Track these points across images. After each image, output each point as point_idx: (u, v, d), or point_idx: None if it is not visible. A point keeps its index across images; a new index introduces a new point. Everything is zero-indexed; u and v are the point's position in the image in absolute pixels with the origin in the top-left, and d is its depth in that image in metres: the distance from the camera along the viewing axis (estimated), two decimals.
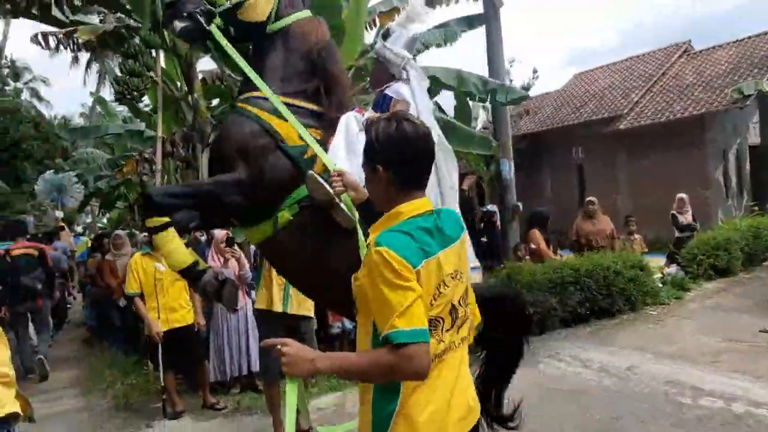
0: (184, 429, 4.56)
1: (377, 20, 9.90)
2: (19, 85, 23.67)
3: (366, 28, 9.96)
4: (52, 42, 7.70)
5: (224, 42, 2.57)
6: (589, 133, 15.97)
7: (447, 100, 15.97)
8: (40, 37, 7.65)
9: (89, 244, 10.99)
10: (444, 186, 2.60)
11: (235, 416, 4.73)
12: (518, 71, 74.80)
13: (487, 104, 10.62)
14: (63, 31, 7.45)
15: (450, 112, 16.02)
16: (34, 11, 7.32)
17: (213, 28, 2.56)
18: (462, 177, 20.07)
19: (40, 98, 25.66)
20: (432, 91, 10.05)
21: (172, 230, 2.42)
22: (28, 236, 7.91)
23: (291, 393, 1.51)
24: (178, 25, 2.54)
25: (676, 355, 5.16)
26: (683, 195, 8.78)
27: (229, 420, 4.66)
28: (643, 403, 4.14)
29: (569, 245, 8.26)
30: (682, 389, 4.33)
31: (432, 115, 2.69)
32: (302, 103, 2.60)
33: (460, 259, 1.64)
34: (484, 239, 8.78)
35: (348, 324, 5.81)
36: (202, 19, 2.53)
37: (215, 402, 4.95)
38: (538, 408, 3.88)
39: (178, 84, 7.88)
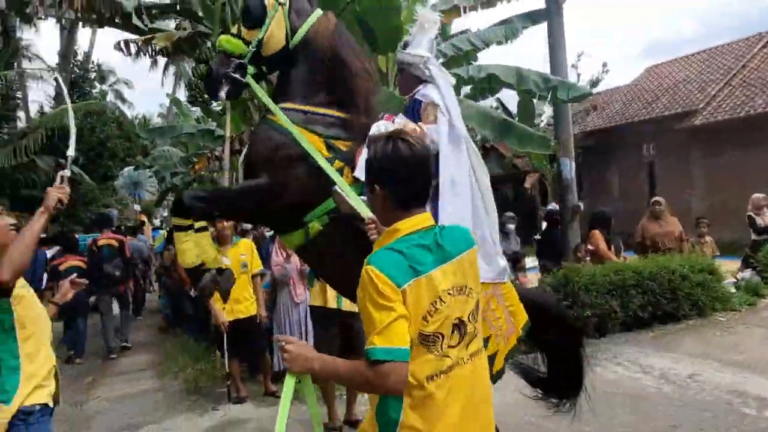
0: (247, 413, 4.85)
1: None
2: (105, 87, 25.53)
3: None
4: (133, 48, 8.32)
5: (260, 91, 2.69)
6: (661, 129, 15.22)
7: (511, 97, 15.71)
8: (122, 44, 8.29)
9: (165, 237, 11.77)
10: (483, 188, 2.66)
11: (293, 404, 4.95)
12: (587, 65, 71.92)
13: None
14: (142, 38, 8.03)
15: (514, 108, 15.80)
16: (117, 20, 7.91)
17: (248, 79, 2.63)
18: (524, 175, 19.66)
19: (123, 100, 27.57)
20: (492, 90, 10.01)
21: (191, 232, 2.60)
22: (113, 228, 8.77)
23: (288, 385, 1.63)
24: (222, 92, 2.63)
25: (743, 364, 4.91)
26: (761, 195, 8.23)
27: (290, 406, 4.91)
28: (704, 412, 4.00)
29: (634, 247, 7.97)
30: (746, 399, 4.14)
31: (459, 114, 2.70)
32: (330, 111, 2.60)
33: (466, 274, 1.65)
34: (544, 239, 8.67)
35: None
36: (237, 76, 2.61)
37: (275, 390, 5.22)
38: (593, 411, 3.84)
39: None
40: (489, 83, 7.74)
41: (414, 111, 2.70)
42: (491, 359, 2.54)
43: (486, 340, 2.50)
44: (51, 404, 2.41)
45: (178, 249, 2.65)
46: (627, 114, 16.80)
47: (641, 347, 5.71)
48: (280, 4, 2.67)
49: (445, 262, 1.60)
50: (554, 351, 2.99)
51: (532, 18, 9.38)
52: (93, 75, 22.54)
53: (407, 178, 1.61)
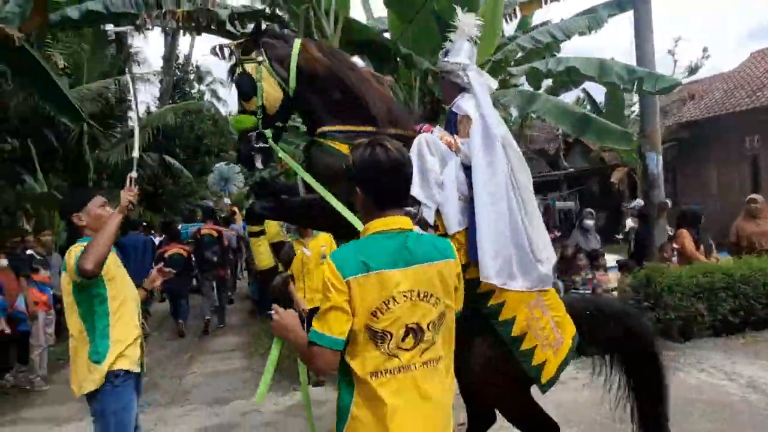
0: (324, 395, 5.17)
1: (517, 11, 9.80)
2: (202, 87, 27.36)
3: (506, 20, 9.91)
4: (227, 52, 8.96)
5: (279, 151, 2.84)
6: (767, 120, 13.94)
7: (600, 87, 15.05)
8: (217, 49, 8.95)
9: None
10: (523, 192, 2.67)
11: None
12: (685, 50, 66.35)
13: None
14: (235, 42, 8.62)
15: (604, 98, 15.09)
16: (213, 27, 8.55)
17: (270, 143, 2.80)
18: (611, 169, 18.73)
19: (218, 98, 29.37)
20: (575, 82, 9.68)
21: (263, 237, 2.89)
22: (214, 220, 9.90)
23: (275, 349, 1.82)
24: (258, 163, 2.84)
25: None
26: None
27: None
28: None
29: (728, 247, 7.47)
30: None
31: (497, 119, 2.72)
32: (362, 128, 2.71)
33: (434, 284, 1.69)
34: (629, 237, 8.35)
35: None
36: (261, 144, 2.79)
37: None
38: (672, 416, 3.74)
39: None
40: (569, 76, 7.53)
41: (452, 123, 2.80)
42: (539, 368, 2.58)
43: (532, 350, 2.56)
44: (134, 370, 2.69)
45: (254, 253, 2.93)
46: (729, 103, 15.51)
47: (729, 354, 5.41)
48: (258, 63, 2.76)
49: (407, 266, 1.66)
50: (627, 362, 2.91)
51: (619, 5, 8.99)
52: (192, 76, 24.28)
53: (382, 182, 1.72)
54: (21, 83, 8.27)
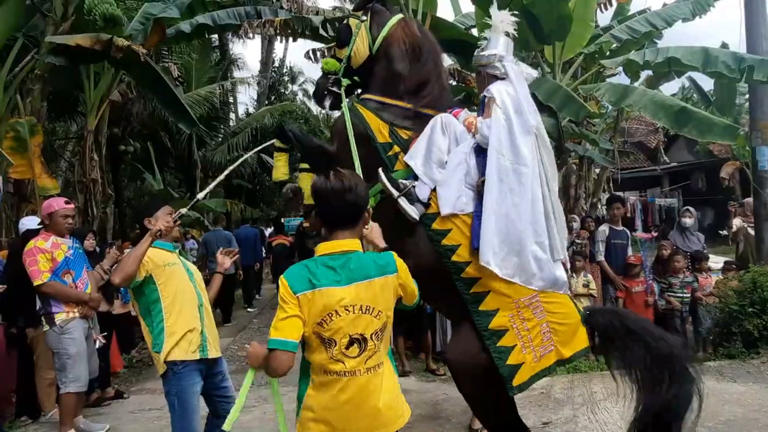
0: (410, 386, 5.37)
1: (612, 0, 9.38)
2: (295, 88, 28.65)
3: (600, 9, 9.52)
4: (320, 55, 9.43)
5: (344, 101, 3.06)
6: None
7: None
8: (311, 53, 9.45)
9: None
10: (551, 190, 2.63)
11: (452, 382, 5.36)
12: None
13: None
14: (327, 46, 9.06)
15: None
16: (307, 33, 9.03)
17: (342, 90, 3.07)
18: (721, 164, 17.34)
19: (309, 97, 30.72)
20: (678, 73, 9.09)
21: (285, 154, 3.23)
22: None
23: (248, 378, 1.94)
24: (326, 103, 3.13)
25: None
26: None
27: (447, 384, 5.31)
28: None
29: None
30: None
31: (532, 108, 2.67)
32: (398, 102, 2.89)
33: (376, 298, 1.89)
34: (737, 238, 7.71)
35: None
36: (336, 89, 3.07)
37: (435, 369, 5.69)
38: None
39: None
40: (669, 67, 7.12)
41: (482, 107, 2.82)
42: (512, 369, 2.44)
43: (510, 349, 2.44)
44: (191, 359, 2.93)
45: (274, 165, 3.28)
46: None
47: None
48: (361, 21, 3.03)
49: (348, 283, 1.87)
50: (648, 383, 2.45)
51: None
52: (286, 78, 25.55)
53: (327, 208, 1.97)
54: (144, 93, 9.29)
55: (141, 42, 6.90)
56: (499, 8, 2.93)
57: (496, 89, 2.69)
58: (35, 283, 3.97)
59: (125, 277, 2.81)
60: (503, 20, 2.86)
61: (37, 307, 4.18)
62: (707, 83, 15.62)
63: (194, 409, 2.93)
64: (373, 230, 2.18)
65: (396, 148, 2.84)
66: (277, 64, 24.32)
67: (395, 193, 2.64)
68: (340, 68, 3.09)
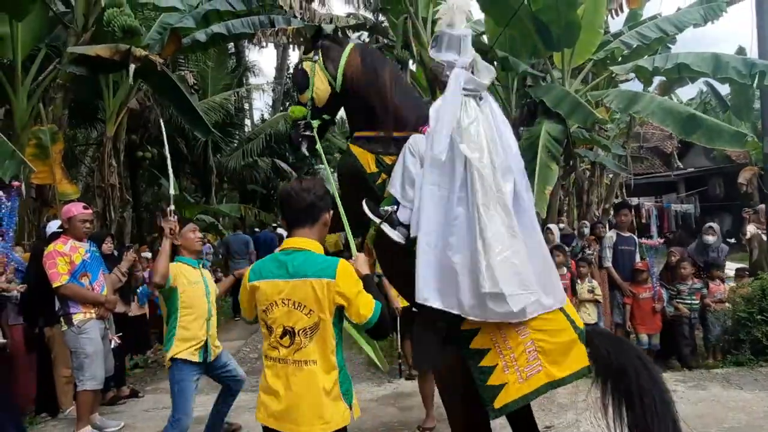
0: (416, 388, 5.43)
1: (624, 5, 9.40)
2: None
3: (611, 15, 9.55)
4: None
5: (318, 144, 3.11)
6: None
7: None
8: None
9: None
10: (485, 211, 2.46)
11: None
12: None
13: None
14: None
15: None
16: None
17: (314, 132, 3.07)
18: (738, 169, 17.11)
19: None
20: (692, 79, 9.04)
21: None
22: None
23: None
24: (303, 149, 3.12)
25: None
26: None
27: None
28: None
29: None
30: None
31: (454, 131, 2.55)
32: (377, 133, 2.91)
33: (308, 297, 2.04)
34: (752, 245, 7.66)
35: None
36: (309, 133, 3.08)
37: None
38: None
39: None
40: (679, 73, 7.12)
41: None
42: (494, 390, 2.34)
43: (491, 369, 2.36)
44: (193, 359, 3.50)
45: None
46: None
47: None
48: (313, 62, 3.03)
49: (289, 279, 2.07)
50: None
51: None
52: None
53: (284, 210, 2.22)
54: (161, 101, 9.53)
55: (158, 51, 7.11)
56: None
57: (433, 110, 2.63)
58: (54, 285, 4.14)
59: (162, 274, 3.32)
60: (459, 6, 2.70)
61: (56, 308, 4.35)
62: (726, 87, 15.48)
63: (190, 394, 3.49)
64: (358, 259, 2.27)
65: (384, 176, 2.87)
66: (291, 70, 24.66)
67: (376, 220, 2.71)
68: (306, 112, 3.11)
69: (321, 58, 3.05)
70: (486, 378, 2.36)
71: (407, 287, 2.66)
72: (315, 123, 3.11)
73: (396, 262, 2.89)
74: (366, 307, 2.08)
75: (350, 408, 2.12)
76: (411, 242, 2.61)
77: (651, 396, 2.32)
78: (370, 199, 2.81)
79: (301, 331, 2.04)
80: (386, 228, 2.67)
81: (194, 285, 3.57)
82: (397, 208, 2.69)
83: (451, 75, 2.60)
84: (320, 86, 3.04)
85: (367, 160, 2.90)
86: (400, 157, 2.73)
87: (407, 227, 2.64)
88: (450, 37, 2.69)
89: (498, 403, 2.33)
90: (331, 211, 2.27)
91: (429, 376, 4.15)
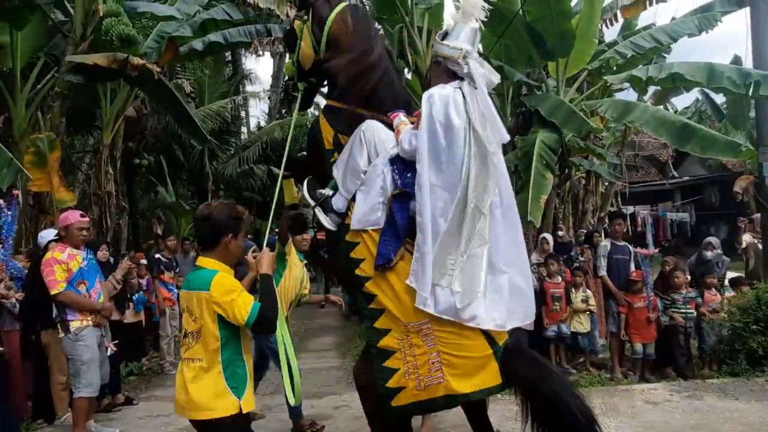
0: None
1: (618, 15, 9.49)
2: None
3: (606, 25, 9.64)
4: None
5: (295, 109, 3.19)
6: None
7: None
8: None
9: None
10: (474, 209, 2.47)
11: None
12: None
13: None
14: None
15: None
16: None
17: (299, 95, 3.07)
18: (734, 178, 17.28)
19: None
20: (688, 89, 9.11)
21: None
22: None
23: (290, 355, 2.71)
24: (294, 105, 3.17)
25: None
26: None
27: None
28: None
29: None
30: None
31: (492, 118, 2.51)
32: (343, 106, 2.81)
33: (193, 305, 2.35)
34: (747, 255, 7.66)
35: (565, 328, 5.99)
36: (294, 93, 3.11)
37: None
38: None
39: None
40: (673, 83, 7.18)
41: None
42: (391, 391, 2.40)
43: (393, 371, 2.42)
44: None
45: (284, 190, 3.44)
46: None
47: None
48: (303, 21, 2.90)
49: (185, 290, 2.45)
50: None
51: (737, 1, 8.38)
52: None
53: (195, 230, 2.66)
54: (157, 109, 9.56)
55: (155, 60, 7.15)
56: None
57: (439, 94, 2.50)
58: (52, 293, 4.15)
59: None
60: (474, 5, 2.58)
61: (54, 315, 4.36)
62: (721, 96, 15.57)
63: None
64: (263, 257, 2.47)
65: (336, 155, 2.80)
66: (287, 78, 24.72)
67: (311, 202, 2.74)
68: (293, 71, 3.07)
69: (310, 19, 2.93)
70: (387, 378, 2.44)
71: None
72: (301, 85, 3.07)
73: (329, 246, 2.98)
74: (241, 310, 2.27)
75: (240, 400, 2.34)
76: (342, 230, 2.68)
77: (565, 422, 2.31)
78: (323, 173, 2.83)
79: (189, 334, 2.38)
80: (318, 212, 2.72)
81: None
82: (334, 194, 2.69)
83: (471, 63, 2.51)
84: (305, 50, 2.96)
85: (327, 136, 2.85)
86: (349, 142, 2.69)
87: (339, 215, 2.67)
88: (466, 29, 2.58)
89: (395, 402, 2.43)
90: (241, 232, 2.47)
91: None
